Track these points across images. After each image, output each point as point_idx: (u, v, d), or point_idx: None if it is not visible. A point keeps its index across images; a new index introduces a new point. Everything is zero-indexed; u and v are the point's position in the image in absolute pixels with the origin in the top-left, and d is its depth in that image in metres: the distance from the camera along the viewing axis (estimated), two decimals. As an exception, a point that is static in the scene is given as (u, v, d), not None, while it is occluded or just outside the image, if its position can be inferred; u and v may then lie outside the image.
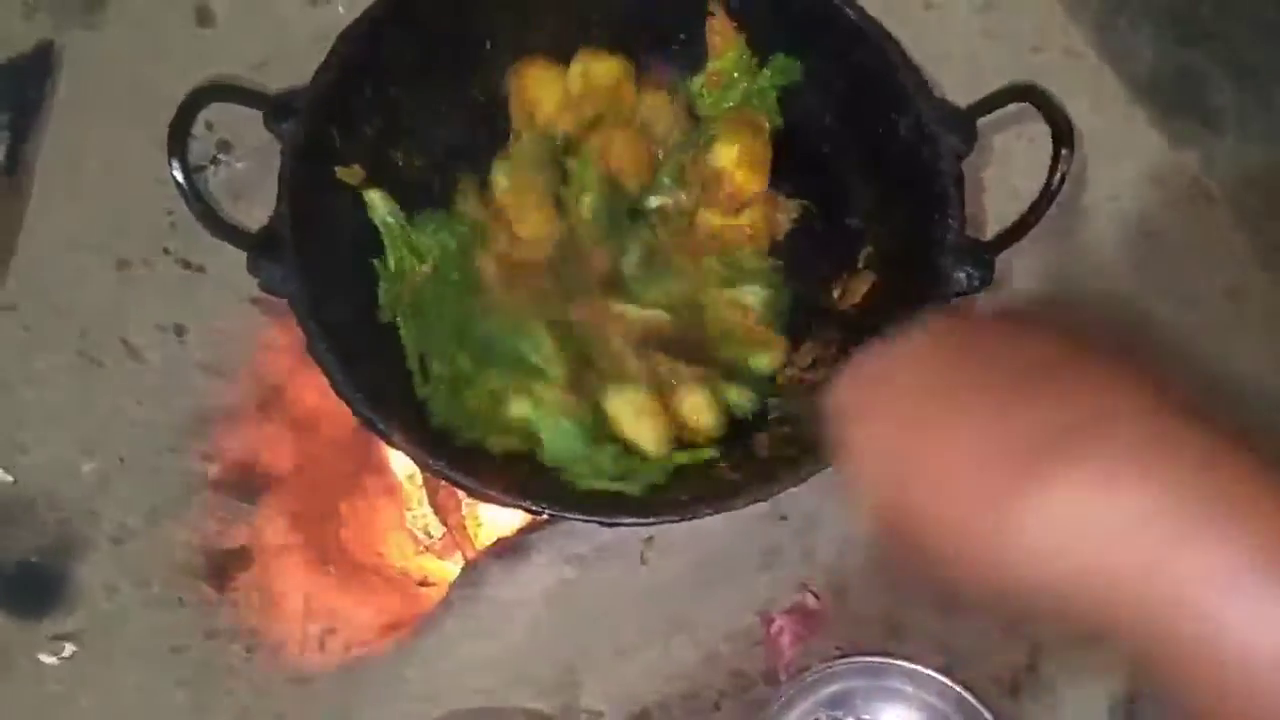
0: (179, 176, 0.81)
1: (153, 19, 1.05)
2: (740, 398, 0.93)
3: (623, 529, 0.91)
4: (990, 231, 0.92)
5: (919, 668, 0.89)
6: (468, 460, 0.84)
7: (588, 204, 0.95)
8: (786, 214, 0.99)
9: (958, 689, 0.88)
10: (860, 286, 0.96)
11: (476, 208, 0.95)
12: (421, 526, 1.15)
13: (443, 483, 1.07)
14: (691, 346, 0.93)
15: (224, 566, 0.95)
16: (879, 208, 0.96)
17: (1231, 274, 1.06)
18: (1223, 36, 1.07)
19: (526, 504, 0.82)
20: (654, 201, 0.99)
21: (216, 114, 0.95)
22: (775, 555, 0.95)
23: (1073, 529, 0.42)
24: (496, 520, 1.08)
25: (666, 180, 0.99)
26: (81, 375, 0.96)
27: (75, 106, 1.02)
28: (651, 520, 0.83)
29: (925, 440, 0.49)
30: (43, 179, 1.00)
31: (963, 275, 0.86)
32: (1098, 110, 1.06)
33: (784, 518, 0.95)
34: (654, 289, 0.95)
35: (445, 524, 1.12)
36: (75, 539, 0.93)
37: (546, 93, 0.97)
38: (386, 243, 0.91)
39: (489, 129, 0.98)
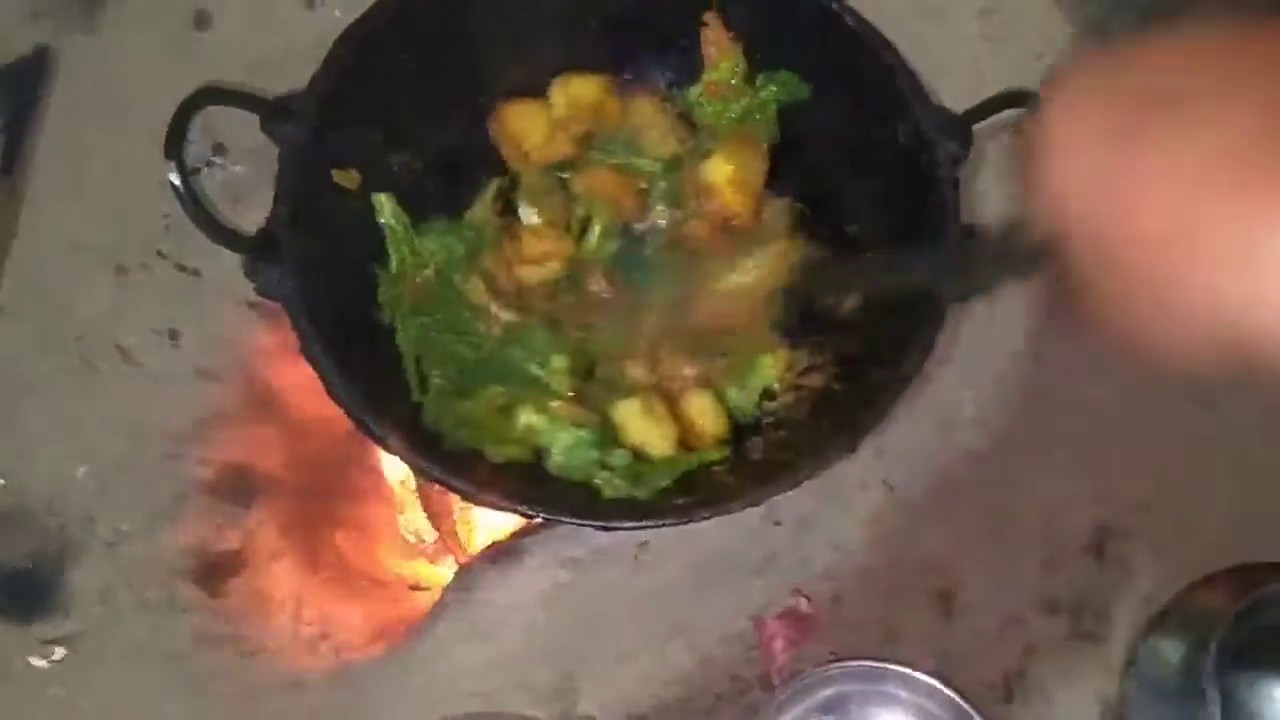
0: (176, 180, 0.81)
1: (150, 23, 1.05)
2: (739, 401, 0.93)
3: (617, 533, 0.91)
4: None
5: (912, 672, 0.89)
6: (463, 465, 0.84)
7: (595, 231, 0.96)
8: (776, 214, 0.99)
9: (951, 694, 0.88)
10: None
11: (488, 219, 0.95)
12: (414, 531, 1.15)
13: (435, 487, 1.07)
14: (694, 351, 0.93)
15: (218, 571, 0.95)
16: (876, 213, 0.96)
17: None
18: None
19: (522, 508, 0.82)
20: (647, 225, 0.99)
21: (212, 118, 0.95)
22: (769, 560, 0.95)
23: None
24: (490, 524, 1.08)
25: (658, 207, 0.99)
26: (76, 379, 0.96)
27: (72, 110, 1.02)
28: (646, 524, 0.84)
29: (1147, 147, 0.41)
30: (39, 182, 1.00)
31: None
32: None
33: (778, 523, 0.95)
34: (654, 296, 0.95)
35: (438, 528, 1.12)
36: (70, 543, 0.93)
37: (530, 126, 0.97)
38: (390, 245, 0.92)
39: (488, 135, 0.98)
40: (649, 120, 0.99)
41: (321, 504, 1.04)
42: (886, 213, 0.95)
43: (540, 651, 0.92)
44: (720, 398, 0.93)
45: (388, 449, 0.82)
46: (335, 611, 0.98)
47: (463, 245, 0.94)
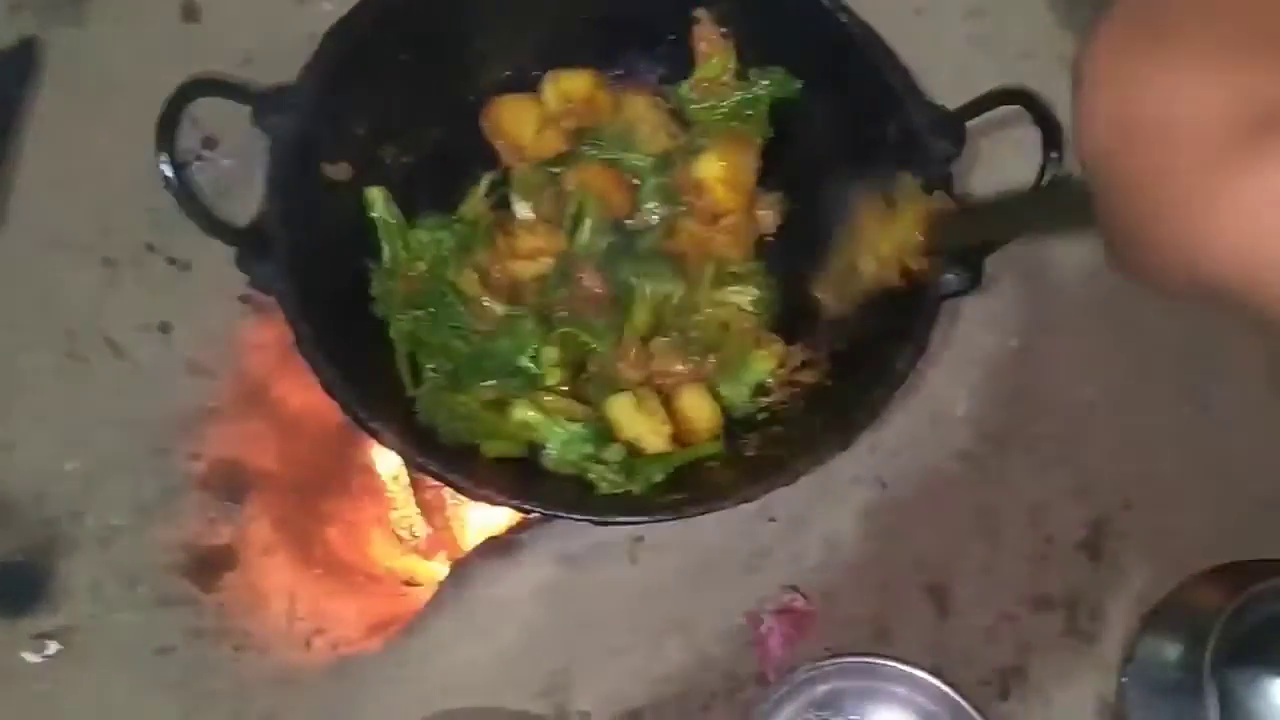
0: (168, 171, 0.81)
1: (138, 14, 1.03)
2: (733, 397, 0.93)
3: (612, 528, 0.91)
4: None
5: (908, 668, 0.89)
6: (457, 460, 0.84)
7: (587, 226, 0.95)
8: (770, 208, 0.99)
9: (948, 690, 0.89)
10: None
11: (481, 213, 0.95)
12: (407, 526, 1.15)
13: (428, 482, 1.07)
14: (687, 348, 0.93)
15: (210, 566, 0.94)
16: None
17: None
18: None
19: (516, 504, 0.82)
20: (639, 223, 0.99)
21: (201, 110, 0.94)
22: (764, 556, 0.95)
23: None
24: (483, 520, 1.08)
25: (649, 204, 0.99)
26: (66, 374, 0.95)
27: (59, 102, 1.01)
28: (641, 519, 0.84)
29: (1147, 84, 0.42)
30: (26, 175, 0.99)
31: (952, 277, 0.86)
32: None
33: (773, 519, 0.95)
34: (647, 293, 0.94)
35: (430, 523, 1.12)
36: (60, 538, 0.92)
37: (521, 120, 0.97)
38: (383, 239, 0.91)
39: (480, 129, 0.98)
40: (640, 116, 0.98)
41: (314, 499, 1.03)
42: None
43: (535, 647, 0.92)
44: (713, 393, 0.93)
45: (382, 444, 0.81)
46: (328, 607, 0.97)
47: (455, 239, 0.93)
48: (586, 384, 0.92)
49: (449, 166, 0.97)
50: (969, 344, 1.01)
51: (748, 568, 0.94)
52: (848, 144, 0.96)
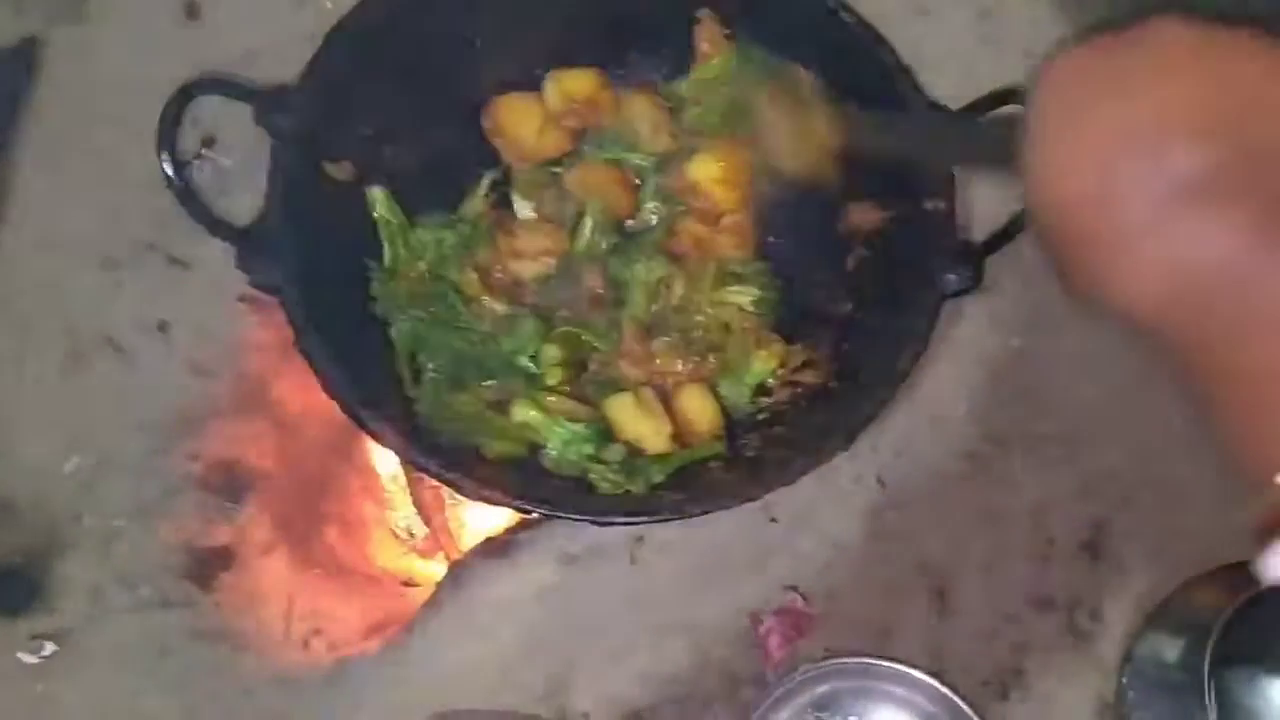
0: (169, 170, 0.81)
1: (138, 13, 1.04)
2: (734, 397, 0.93)
3: (613, 529, 0.91)
4: (981, 234, 0.92)
5: (907, 669, 0.89)
6: (458, 460, 0.84)
7: (588, 226, 0.95)
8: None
9: (946, 691, 0.89)
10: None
11: (482, 212, 0.95)
12: (405, 526, 1.15)
13: (426, 482, 1.07)
14: (689, 348, 0.93)
15: (209, 566, 0.94)
16: (870, 209, 0.96)
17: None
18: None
19: (517, 504, 0.82)
20: (640, 224, 0.99)
21: (202, 109, 0.94)
22: (765, 556, 0.95)
23: (1200, 262, 0.44)
24: (482, 520, 1.08)
25: (650, 204, 0.99)
26: (66, 373, 0.95)
27: (60, 101, 1.01)
28: (643, 520, 0.84)
29: (1083, 129, 0.48)
30: (26, 173, 0.99)
31: (953, 277, 0.86)
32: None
33: (774, 519, 0.95)
34: (644, 278, 0.94)
35: (428, 524, 1.12)
36: (59, 538, 0.92)
37: (523, 120, 0.97)
38: (384, 239, 0.91)
39: (481, 129, 0.98)
40: (641, 116, 0.98)
41: (313, 499, 1.03)
42: (880, 209, 0.95)
43: (534, 648, 0.92)
44: (714, 393, 0.93)
45: (382, 443, 0.81)
46: (327, 607, 0.97)
47: (457, 239, 0.93)
48: (587, 384, 0.92)
49: (450, 166, 0.97)
50: (971, 344, 1.01)
51: (748, 568, 0.94)
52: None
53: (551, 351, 0.90)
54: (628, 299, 0.94)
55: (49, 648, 0.90)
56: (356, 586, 1.03)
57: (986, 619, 0.95)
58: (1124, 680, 0.91)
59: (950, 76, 0.98)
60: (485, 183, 0.97)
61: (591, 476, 0.86)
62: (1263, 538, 0.45)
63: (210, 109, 0.95)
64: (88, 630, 0.91)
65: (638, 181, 0.99)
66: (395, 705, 0.90)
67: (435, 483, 0.91)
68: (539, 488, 0.85)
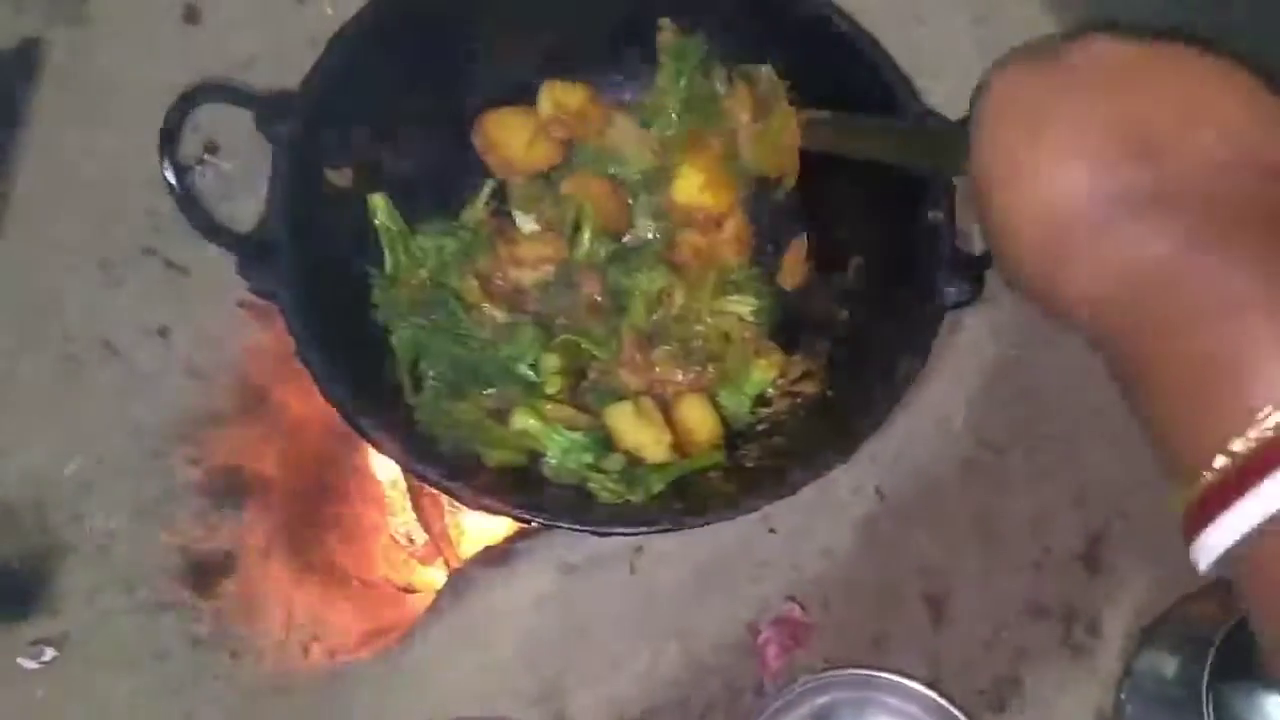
0: (170, 177, 0.81)
1: (139, 16, 1.04)
2: (733, 407, 0.93)
3: (612, 538, 0.91)
4: (981, 245, 0.92)
5: (905, 680, 0.89)
6: (457, 468, 0.84)
7: (586, 233, 0.95)
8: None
9: (943, 702, 0.89)
10: (797, 263, 0.99)
11: (483, 220, 0.95)
12: (405, 533, 1.15)
13: (426, 489, 1.07)
14: (688, 358, 0.93)
15: (208, 572, 0.94)
16: (868, 219, 0.96)
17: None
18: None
19: (516, 513, 0.82)
20: (635, 240, 1.00)
21: (203, 114, 0.94)
22: (764, 567, 0.95)
23: (1134, 269, 0.47)
24: (481, 528, 1.08)
25: (643, 220, 0.99)
26: (64, 377, 0.95)
27: (59, 104, 1.01)
28: (642, 530, 0.84)
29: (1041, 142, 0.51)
30: (25, 177, 0.99)
31: (954, 289, 0.86)
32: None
33: (773, 530, 0.95)
34: (644, 287, 0.95)
35: (428, 531, 1.12)
36: (57, 543, 0.92)
37: (511, 133, 0.97)
38: (385, 246, 0.91)
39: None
40: (626, 133, 0.99)
41: (312, 505, 1.03)
42: (879, 219, 0.95)
43: (533, 656, 0.92)
44: (714, 403, 0.93)
45: (381, 451, 0.81)
46: (326, 614, 0.97)
47: (457, 246, 0.93)
48: (587, 393, 0.92)
49: (451, 173, 0.98)
50: (969, 354, 1.01)
51: (747, 578, 0.95)
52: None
53: (551, 360, 0.90)
54: (628, 308, 0.94)
55: (49, 653, 0.90)
56: (356, 593, 1.03)
57: (984, 629, 0.95)
58: (1122, 695, 0.92)
59: (947, 83, 0.98)
60: (486, 190, 0.97)
61: (591, 485, 0.86)
62: (1193, 528, 0.47)
63: (212, 114, 0.94)
64: (86, 635, 0.91)
65: (630, 200, 0.99)
66: (393, 712, 0.90)
67: (435, 490, 0.91)
68: (538, 496, 0.85)
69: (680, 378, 0.93)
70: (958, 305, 0.87)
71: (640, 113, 1.00)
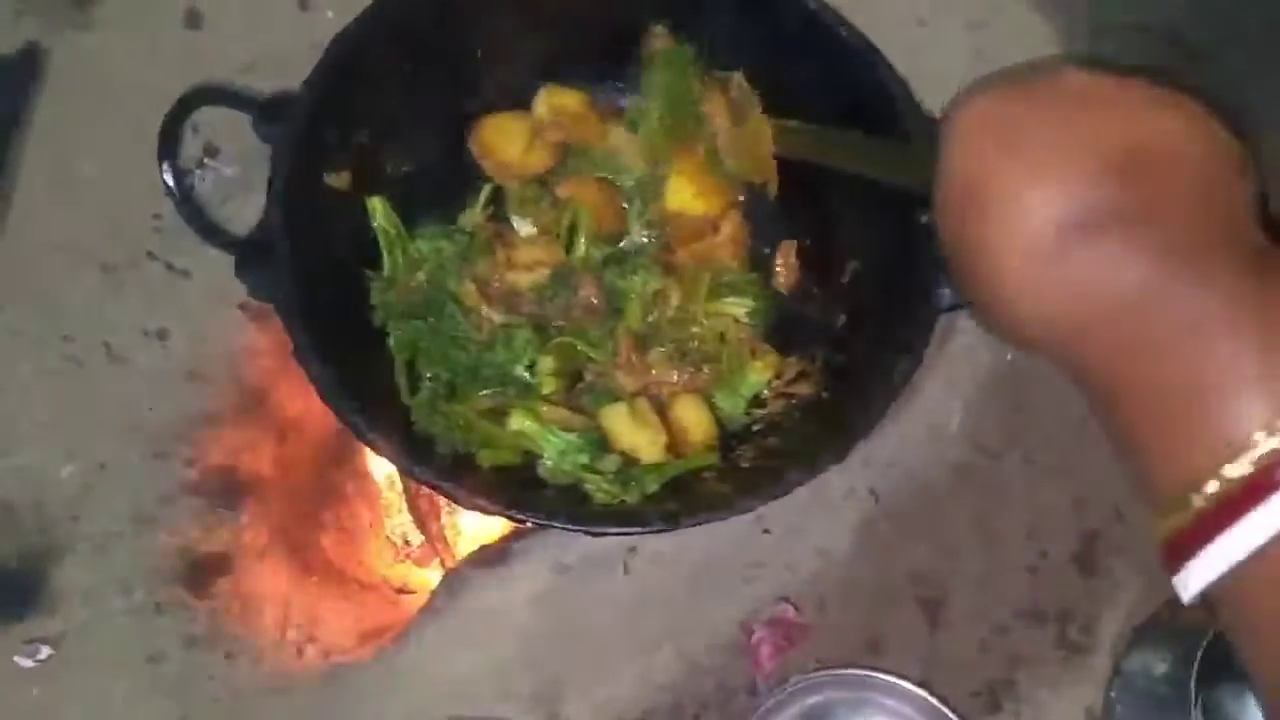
0: (169, 180, 0.82)
1: (141, 21, 1.04)
2: (728, 408, 0.94)
3: (606, 538, 0.91)
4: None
5: (898, 681, 0.89)
6: (453, 469, 0.85)
7: (582, 240, 0.96)
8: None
9: (936, 703, 0.89)
10: (786, 266, 0.99)
11: (481, 223, 0.96)
12: (401, 534, 1.15)
13: (422, 490, 1.07)
14: (684, 359, 0.94)
15: (204, 572, 0.94)
16: (864, 223, 0.97)
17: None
18: (1215, 60, 1.08)
19: (511, 513, 0.82)
20: (631, 245, 1.00)
21: (203, 117, 0.95)
22: (758, 567, 0.95)
23: (1104, 288, 0.49)
24: (477, 528, 1.08)
25: (638, 224, 1.00)
26: (64, 379, 0.96)
27: (61, 108, 1.01)
28: (637, 530, 0.84)
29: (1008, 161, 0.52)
30: (27, 181, 1.00)
31: (948, 292, 0.86)
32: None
33: (767, 530, 0.96)
34: (639, 289, 0.95)
35: (424, 532, 1.12)
36: (55, 543, 0.92)
37: (508, 138, 0.98)
38: (383, 248, 0.92)
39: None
40: (621, 142, 1.00)
41: (309, 506, 1.03)
42: (875, 222, 0.95)
43: (528, 657, 0.92)
44: (709, 404, 0.94)
45: (378, 452, 0.81)
46: (322, 614, 0.98)
47: (455, 249, 0.94)
48: (583, 394, 0.92)
49: (450, 176, 0.98)
50: (965, 357, 1.01)
51: (741, 579, 0.95)
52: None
53: (547, 362, 0.91)
54: (624, 310, 0.94)
55: (45, 651, 0.90)
56: (352, 593, 1.03)
57: (978, 631, 0.95)
58: (1112, 694, 0.92)
59: (947, 90, 0.99)
60: (484, 194, 0.98)
61: (586, 486, 0.87)
62: (1175, 557, 0.47)
63: (212, 118, 0.95)
64: (83, 634, 0.91)
65: (625, 205, 1.00)
66: (389, 712, 0.91)
67: (431, 491, 0.91)
68: (533, 497, 0.86)
69: (676, 379, 0.94)
70: (952, 308, 0.87)
71: (630, 119, 1.00)
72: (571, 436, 0.88)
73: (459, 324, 0.92)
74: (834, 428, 0.87)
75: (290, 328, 0.81)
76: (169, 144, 0.82)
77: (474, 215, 0.97)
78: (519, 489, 0.86)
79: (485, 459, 0.87)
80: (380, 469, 1.13)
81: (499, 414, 0.89)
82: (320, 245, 0.87)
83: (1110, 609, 0.96)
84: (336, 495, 1.08)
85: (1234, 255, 0.48)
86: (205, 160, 1.01)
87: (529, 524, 0.86)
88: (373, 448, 0.81)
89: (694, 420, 0.92)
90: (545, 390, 0.91)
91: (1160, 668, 0.88)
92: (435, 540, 1.09)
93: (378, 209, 0.91)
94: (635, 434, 0.89)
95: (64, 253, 0.98)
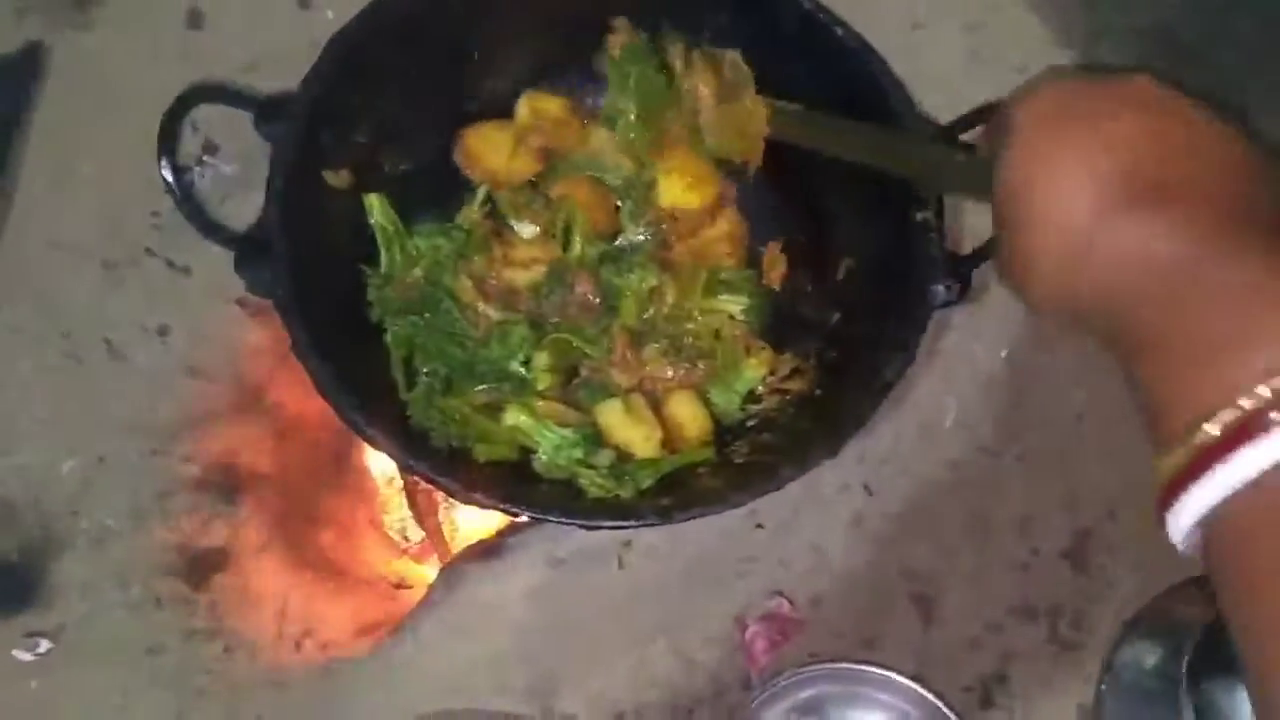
0: (168, 176, 0.82)
1: (142, 20, 1.05)
2: (723, 403, 0.94)
3: (601, 533, 0.92)
4: (968, 245, 0.93)
5: (891, 675, 0.90)
6: (450, 463, 0.85)
7: (577, 239, 0.96)
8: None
9: (930, 697, 0.90)
10: (775, 263, 1.00)
11: (478, 221, 0.96)
12: (399, 529, 1.16)
13: (421, 486, 1.08)
14: (679, 355, 0.95)
15: (203, 567, 0.95)
16: (859, 220, 0.97)
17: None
18: (1209, 61, 1.09)
19: (507, 507, 0.82)
20: (624, 242, 1.00)
21: (203, 116, 0.96)
22: (752, 562, 0.96)
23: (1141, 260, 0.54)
24: (474, 523, 1.09)
25: (630, 225, 1.00)
26: (64, 375, 0.96)
27: (63, 106, 1.02)
28: (631, 524, 0.84)
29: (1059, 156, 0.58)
30: (28, 178, 1.00)
31: (941, 288, 0.87)
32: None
33: (760, 525, 0.96)
34: (635, 286, 0.96)
35: (423, 527, 1.13)
36: (55, 538, 0.93)
37: (492, 147, 0.98)
38: (380, 245, 0.92)
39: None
40: (605, 147, 1.00)
41: (307, 501, 1.04)
42: (869, 220, 0.96)
43: (523, 650, 0.93)
44: (703, 400, 0.94)
45: (376, 447, 0.82)
46: (320, 609, 0.98)
47: (452, 246, 0.94)
48: (578, 389, 0.93)
49: (447, 174, 0.98)
50: (958, 354, 1.02)
51: (735, 573, 0.95)
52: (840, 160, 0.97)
53: (543, 357, 0.91)
54: (619, 307, 0.95)
55: (44, 645, 0.91)
56: (349, 588, 1.04)
57: (971, 626, 0.96)
58: (1102, 688, 0.92)
59: (943, 92, 1.00)
60: (481, 193, 0.98)
61: (581, 481, 0.87)
62: (1174, 493, 0.50)
63: (211, 116, 0.96)
64: (82, 628, 0.92)
65: (617, 204, 1.00)
66: (386, 706, 0.91)
67: (428, 485, 0.92)
68: (529, 491, 0.86)
69: (670, 375, 0.94)
70: (946, 305, 0.88)
71: (606, 116, 1.00)
72: (566, 432, 0.88)
73: (455, 320, 0.92)
74: (827, 424, 0.87)
75: (289, 324, 0.81)
76: (168, 141, 0.82)
77: (471, 213, 0.97)
78: (514, 483, 0.87)
79: (481, 454, 0.88)
80: (378, 465, 1.13)
81: (495, 409, 0.90)
82: (318, 242, 0.87)
83: (1101, 605, 0.97)
84: (335, 490, 1.09)
85: (1262, 234, 0.53)
86: (205, 158, 1.02)
87: (524, 518, 0.87)
88: (370, 442, 0.82)
89: (688, 416, 0.92)
90: (541, 386, 0.91)
91: (1150, 662, 0.88)
92: (433, 535, 1.09)
93: (375, 206, 0.92)
94: (630, 429, 0.89)
95: (64, 250, 0.99)
